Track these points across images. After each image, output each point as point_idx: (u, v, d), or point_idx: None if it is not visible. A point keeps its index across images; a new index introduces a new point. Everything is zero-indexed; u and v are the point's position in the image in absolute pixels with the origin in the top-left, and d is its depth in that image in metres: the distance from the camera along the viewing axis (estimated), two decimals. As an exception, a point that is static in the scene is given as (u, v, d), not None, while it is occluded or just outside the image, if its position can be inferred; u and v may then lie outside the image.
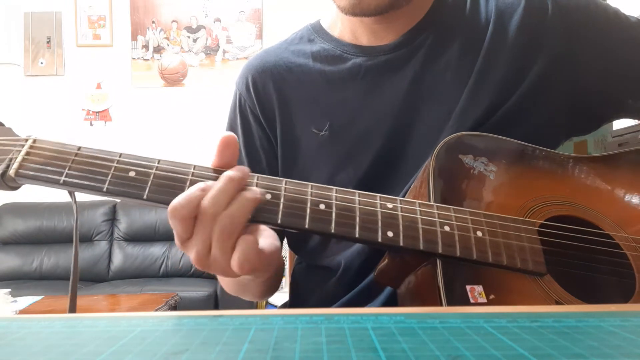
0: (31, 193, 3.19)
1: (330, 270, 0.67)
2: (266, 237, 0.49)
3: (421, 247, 0.45)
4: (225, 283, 0.69)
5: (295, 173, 0.68)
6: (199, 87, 3.50)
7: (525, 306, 0.38)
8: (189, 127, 3.42)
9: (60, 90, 3.49)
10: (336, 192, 0.46)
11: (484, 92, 0.63)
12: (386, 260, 0.53)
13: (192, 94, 3.50)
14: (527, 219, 0.50)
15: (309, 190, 0.46)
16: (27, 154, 0.45)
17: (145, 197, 0.44)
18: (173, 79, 3.53)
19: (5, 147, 0.46)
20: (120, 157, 0.46)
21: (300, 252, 0.73)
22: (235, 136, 0.46)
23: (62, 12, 3.53)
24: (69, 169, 0.45)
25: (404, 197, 0.51)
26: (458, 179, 0.52)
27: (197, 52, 3.55)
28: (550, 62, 0.64)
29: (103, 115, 3.51)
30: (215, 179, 0.45)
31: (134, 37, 3.54)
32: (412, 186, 0.58)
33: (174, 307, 2.19)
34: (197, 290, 2.79)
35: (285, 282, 1.24)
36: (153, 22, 3.54)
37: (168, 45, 3.54)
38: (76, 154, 0.46)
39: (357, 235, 0.45)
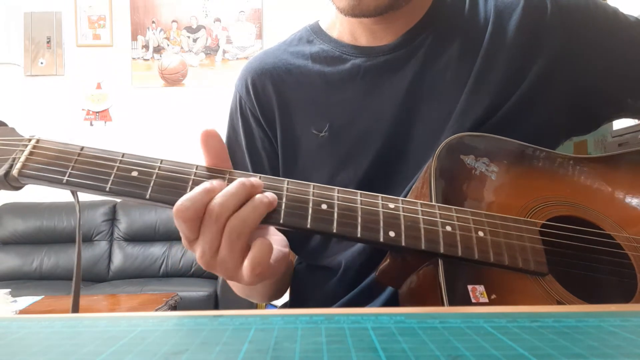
0: (31, 193, 3.19)
1: (330, 270, 0.67)
2: (275, 242, 0.49)
3: (423, 247, 0.45)
4: (233, 283, 0.69)
5: (295, 174, 0.68)
6: (199, 87, 3.51)
7: (525, 306, 0.38)
8: (189, 127, 3.41)
9: (60, 90, 3.49)
10: (338, 192, 0.47)
11: (484, 92, 0.63)
12: (388, 260, 0.53)
13: (192, 94, 3.50)
14: (528, 219, 0.50)
15: (311, 190, 0.46)
16: (30, 154, 0.46)
17: (147, 197, 0.44)
18: (173, 79, 3.53)
19: (8, 147, 0.46)
20: (122, 157, 0.46)
21: (301, 252, 0.73)
22: (213, 128, 0.46)
23: (62, 12, 3.53)
24: (72, 169, 0.45)
25: (405, 197, 0.51)
26: (460, 180, 0.52)
27: (197, 52, 3.55)
28: (550, 62, 0.64)
29: (103, 115, 3.51)
30: (218, 178, 0.45)
31: (134, 37, 3.54)
32: (413, 186, 0.58)
33: (174, 307, 2.19)
34: (197, 290, 2.79)
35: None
36: (153, 22, 3.54)
37: (168, 45, 3.54)
38: (79, 154, 0.46)
39: (359, 235, 0.45)
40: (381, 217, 0.46)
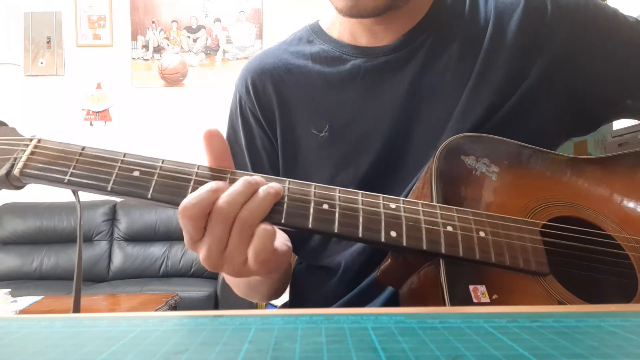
0: (31, 193, 3.19)
1: (330, 270, 0.67)
2: (278, 237, 0.50)
3: (424, 247, 0.45)
4: (234, 284, 0.69)
5: (296, 174, 0.68)
6: (199, 87, 3.51)
7: (525, 306, 0.38)
8: (189, 127, 3.42)
9: (60, 90, 3.49)
10: (339, 192, 0.47)
11: (484, 92, 0.63)
12: (389, 260, 0.53)
13: (192, 94, 3.50)
14: (529, 220, 0.50)
15: (312, 190, 0.46)
16: (32, 153, 0.46)
17: (149, 196, 0.45)
18: (173, 79, 3.54)
19: (9, 146, 0.46)
20: (124, 157, 0.46)
21: (301, 252, 0.73)
22: (215, 128, 0.47)
23: (62, 12, 3.53)
24: (73, 169, 0.45)
25: (406, 197, 0.51)
26: (460, 180, 0.52)
27: (197, 52, 3.55)
28: (550, 63, 0.64)
29: (103, 115, 3.51)
30: (220, 178, 0.45)
31: (134, 37, 3.54)
32: (414, 187, 0.58)
33: (174, 307, 2.19)
34: (197, 290, 2.79)
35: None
36: (153, 22, 3.55)
37: (168, 45, 3.54)
38: (80, 154, 0.46)
39: (360, 235, 0.45)
40: (382, 217, 0.46)
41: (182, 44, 3.55)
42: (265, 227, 0.43)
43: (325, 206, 0.45)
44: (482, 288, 0.44)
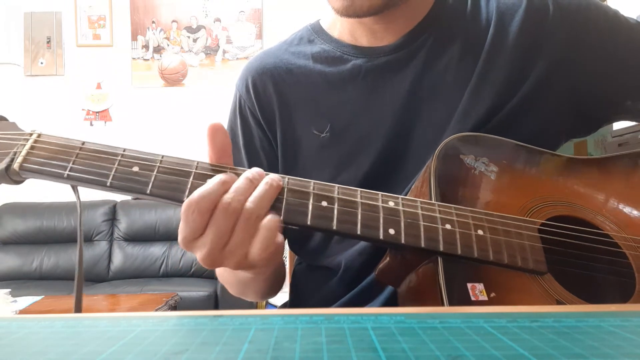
0: (31, 193, 3.19)
1: (330, 270, 0.67)
2: None
3: (422, 245, 0.45)
4: (228, 283, 0.69)
5: (296, 174, 0.67)
6: (199, 87, 3.51)
7: (525, 306, 0.38)
8: (189, 127, 3.41)
9: (60, 90, 3.49)
10: (338, 189, 0.47)
11: (485, 93, 0.63)
12: (387, 258, 0.53)
13: (192, 94, 3.50)
14: (527, 218, 0.50)
15: (311, 187, 0.46)
16: (32, 148, 0.46)
17: (148, 191, 0.44)
18: (173, 79, 3.53)
19: (9, 141, 0.46)
20: (124, 152, 0.46)
21: (301, 252, 0.73)
22: (220, 123, 0.47)
23: (62, 12, 3.53)
24: (73, 163, 0.45)
25: (405, 196, 0.51)
26: (459, 179, 0.52)
27: (197, 52, 3.55)
28: (551, 64, 0.64)
29: (103, 115, 3.51)
30: (218, 174, 0.45)
31: (134, 37, 3.54)
32: (413, 186, 0.58)
33: (174, 307, 2.19)
34: (197, 290, 2.79)
35: (286, 282, 1.24)
36: (153, 22, 3.54)
37: (168, 45, 3.54)
38: (80, 149, 0.46)
39: (358, 232, 0.45)
40: (381, 214, 0.46)
41: (182, 44, 3.55)
42: (271, 217, 0.44)
43: (324, 203, 0.46)
44: (480, 286, 0.44)
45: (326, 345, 0.27)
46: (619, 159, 0.60)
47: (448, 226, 0.46)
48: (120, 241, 3.21)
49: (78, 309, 0.48)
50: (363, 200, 0.46)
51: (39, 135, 0.47)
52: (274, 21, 3.52)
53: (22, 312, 1.83)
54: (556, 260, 0.50)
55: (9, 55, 3.47)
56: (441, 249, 0.45)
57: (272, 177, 0.45)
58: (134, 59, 3.54)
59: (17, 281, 2.99)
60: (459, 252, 0.45)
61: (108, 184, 0.45)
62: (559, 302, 0.45)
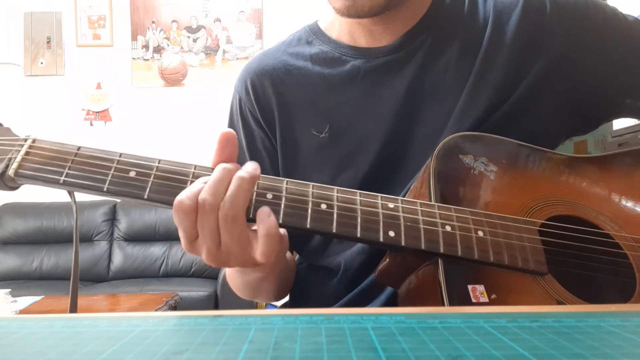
0: (31, 193, 3.19)
1: (330, 270, 0.67)
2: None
3: (423, 247, 0.45)
4: (238, 288, 0.69)
5: (296, 175, 0.68)
6: (199, 87, 3.51)
7: (525, 306, 0.38)
8: (189, 127, 3.42)
9: (60, 90, 3.49)
10: (337, 192, 0.47)
11: (483, 92, 0.63)
12: (387, 260, 0.53)
13: (192, 94, 3.50)
14: (528, 219, 0.50)
15: (310, 190, 0.46)
16: (27, 153, 0.45)
17: (145, 197, 0.44)
18: (173, 79, 3.53)
19: (4, 147, 0.46)
20: (120, 157, 0.46)
21: (301, 252, 0.73)
22: (234, 132, 0.46)
23: (62, 12, 3.53)
24: (68, 169, 0.45)
25: (404, 197, 0.51)
26: (458, 179, 0.52)
27: (197, 52, 3.55)
28: (549, 62, 0.64)
29: (103, 115, 3.51)
30: None
31: (134, 37, 3.54)
32: (412, 186, 0.58)
33: (174, 307, 2.19)
34: (197, 290, 2.79)
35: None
36: (153, 22, 3.54)
37: (168, 45, 3.54)
38: (76, 154, 0.46)
39: (358, 235, 0.45)
40: (381, 217, 0.46)
41: (182, 44, 3.55)
42: (269, 225, 0.43)
43: (324, 206, 0.45)
44: (480, 288, 0.44)
45: (326, 345, 0.27)
46: (618, 157, 0.60)
47: (448, 228, 0.46)
48: (120, 241, 3.21)
49: (73, 310, 0.48)
50: (363, 204, 0.46)
51: (34, 141, 0.46)
52: (274, 21, 3.52)
53: (22, 312, 1.83)
54: (557, 261, 0.50)
55: (9, 55, 3.47)
56: (441, 250, 0.45)
57: (246, 170, 0.44)
58: (134, 59, 3.54)
59: (17, 281, 2.99)
60: (460, 253, 0.45)
61: (105, 189, 0.44)
62: (559, 303, 0.45)
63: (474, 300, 0.43)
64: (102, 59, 3.53)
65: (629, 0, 1.69)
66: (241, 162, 0.71)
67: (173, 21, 3.55)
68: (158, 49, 3.54)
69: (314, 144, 0.67)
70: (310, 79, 0.68)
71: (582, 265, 0.52)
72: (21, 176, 0.45)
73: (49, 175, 0.45)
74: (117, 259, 3.16)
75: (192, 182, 0.45)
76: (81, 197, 0.49)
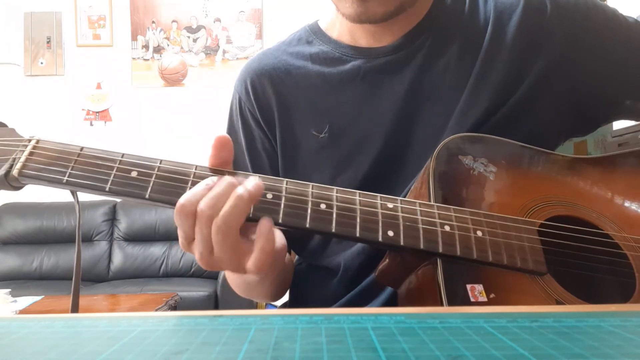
0: (31, 193, 3.19)
1: (330, 270, 0.67)
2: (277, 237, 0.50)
3: (422, 247, 0.45)
4: (235, 285, 0.69)
5: (296, 175, 0.68)
6: (199, 87, 3.50)
7: (525, 306, 0.38)
8: (189, 127, 3.41)
9: (60, 90, 3.49)
10: (337, 192, 0.47)
11: (484, 93, 0.63)
12: (387, 260, 0.53)
13: (192, 94, 3.50)
14: (527, 219, 0.50)
15: (310, 190, 0.46)
16: (31, 154, 0.46)
17: (147, 196, 0.45)
18: (173, 79, 3.53)
19: (8, 147, 0.47)
20: (122, 157, 0.46)
21: (301, 253, 0.73)
22: (228, 136, 0.47)
23: (62, 12, 3.53)
24: (71, 169, 0.45)
25: (404, 197, 0.51)
26: (458, 180, 0.52)
27: (197, 52, 3.55)
28: (549, 63, 0.64)
29: (103, 115, 3.50)
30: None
31: (134, 37, 3.54)
32: (412, 187, 0.58)
33: (174, 307, 2.19)
34: (197, 290, 2.79)
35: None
36: (153, 22, 3.54)
37: (168, 45, 3.54)
38: (79, 154, 0.46)
39: (357, 235, 0.45)
40: (380, 217, 0.46)
41: (182, 44, 3.55)
42: (265, 238, 0.43)
43: (323, 206, 0.46)
44: (479, 287, 0.44)
45: (326, 345, 0.27)
46: (618, 158, 0.60)
47: (447, 228, 0.46)
48: (120, 241, 3.21)
49: (75, 310, 0.48)
50: (362, 204, 0.46)
51: (38, 141, 0.47)
52: (274, 21, 3.51)
53: (22, 312, 1.83)
54: (556, 261, 0.50)
55: (9, 55, 3.47)
56: (440, 250, 0.45)
57: (247, 188, 0.43)
58: (134, 59, 3.54)
59: (17, 281, 2.99)
60: (458, 253, 0.45)
61: (107, 189, 0.45)
62: (558, 303, 0.45)
63: (472, 300, 0.43)
64: (102, 59, 3.52)
65: (629, 0, 1.69)
66: (241, 163, 0.72)
67: (173, 21, 3.55)
68: (158, 49, 3.54)
69: (314, 144, 0.67)
70: (310, 79, 0.68)
71: (581, 265, 0.52)
72: (25, 176, 0.45)
73: (52, 175, 0.45)
74: (117, 259, 3.16)
75: (193, 182, 0.45)
76: (82, 197, 0.50)
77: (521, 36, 0.64)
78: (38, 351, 0.27)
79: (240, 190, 0.42)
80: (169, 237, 3.17)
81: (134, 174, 0.45)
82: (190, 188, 0.45)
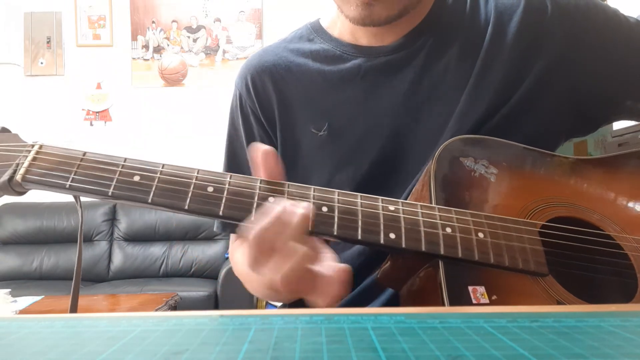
0: (31, 193, 3.17)
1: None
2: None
3: (423, 249, 0.45)
4: (252, 287, 0.68)
5: (295, 173, 0.68)
6: (199, 87, 3.50)
7: (525, 306, 0.38)
8: (189, 127, 3.41)
9: (60, 90, 3.49)
10: (338, 195, 0.47)
11: (484, 93, 0.63)
12: (388, 262, 0.53)
13: (192, 94, 3.50)
14: (528, 220, 0.50)
15: (312, 193, 0.46)
16: (34, 159, 0.46)
17: (150, 201, 0.45)
18: (173, 79, 3.53)
19: (12, 152, 0.47)
20: (125, 162, 0.46)
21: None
22: (272, 148, 0.45)
23: (62, 12, 3.53)
24: (74, 174, 0.45)
25: (405, 199, 0.51)
26: (459, 182, 0.52)
27: (197, 52, 3.54)
28: (550, 63, 0.64)
29: (103, 115, 3.50)
30: (220, 182, 0.45)
31: (134, 37, 3.54)
32: (413, 189, 0.58)
33: (174, 307, 2.19)
34: (197, 290, 2.79)
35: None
36: (153, 22, 3.54)
37: (168, 45, 3.54)
38: (81, 159, 0.46)
39: (359, 238, 0.45)
40: (381, 219, 0.46)
41: (182, 44, 3.55)
42: (340, 290, 0.41)
43: (325, 209, 0.46)
44: (481, 289, 0.44)
45: (326, 345, 0.27)
46: (619, 158, 0.60)
47: (448, 230, 0.46)
48: (120, 241, 3.21)
49: (73, 310, 0.48)
50: (364, 206, 0.46)
51: (41, 147, 0.47)
52: (274, 21, 3.51)
53: (22, 312, 1.83)
54: (557, 262, 0.50)
55: (9, 55, 3.47)
56: (442, 252, 0.45)
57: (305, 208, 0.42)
58: (134, 59, 3.54)
59: (17, 281, 2.99)
60: (460, 255, 0.45)
61: (109, 193, 0.45)
62: (560, 304, 0.45)
63: (474, 302, 0.43)
64: (102, 59, 3.52)
65: (630, 0, 1.69)
66: (242, 159, 0.72)
67: (173, 21, 3.55)
68: (158, 49, 3.54)
69: (313, 142, 0.67)
70: (311, 76, 0.68)
71: (583, 266, 0.52)
72: (28, 181, 0.45)
73: (55, 181, 0.45)
74: (117, 259, 3.16)
75: (195, 185, 0.45)
76: (82, 197, 0.50)
77: (522, 36, 0.64)
78: (38, 351, 0.27)
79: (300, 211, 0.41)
80: (169, 237, 3.17)
81: (136, 178, 0.45)
82: (192, 192, 0.45)
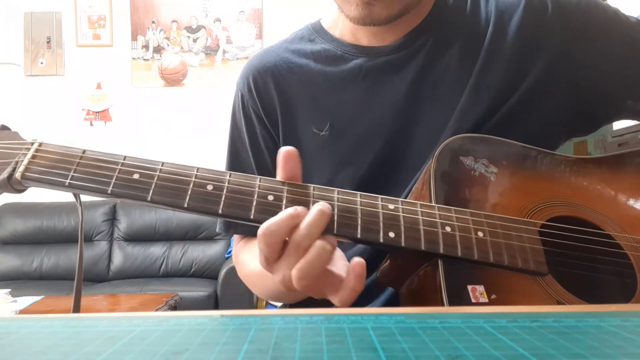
0: (31, 193, 3.18)
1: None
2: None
3: (422, 248, 0.45)
4: (260, 291, 0.68)
5: None
6: (199, 87, 3.51)
7: (525, 306, 0.38)
8: (189, 127, 3.41)
9: (60, 90, 3.49)
10: (338, 194, 0.47)
11: (484, 93, 0.63)
12: (388, 261, 0.53)
13: (192, 94, 3.50)
14: (528, 220, 0.50)
15: (311, 192, 0.46)
16: (33, 157, 0.46)
17: (149, 199, 0.45)
18: (173, 79, 3.53)
19: (11, 150, 0.47)
20: (124, 159, 0.46)
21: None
22: (295, 149, 0.46)
23: (62, 12, 3.53)
24: (74, 172, 0.45)
25: (405, 198, 0.51)
26: (459, 181, 0.52)
27: (197, 52, 3.55)
28: (550, 63, 0.64)
29: (103, 115, 3.50)
30: (220, 180, 0.45)
31: (134, 37, 3.54)
32: (413, 188, 0.58)
33: (174, 307, 2.19)
34: (197, 290, 2.79)
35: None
36: (153, 22, 3.54)
37: (168, 45, 3.54)
38: (81, 157, 0.46)
39: (359, 236, 0.45)
40: (381, 218, 0.46)
41: (182, 44, 3.55)
42: (356, 285, 0.42)
43: None
44: (480, 288, 0.44)
45: (326, 345, 0.27)
46: (619, 158, 0.60)
47: (448, 229, 0.46)
48: (120, 241, 3.21)
49: (76, 310, 0.48)
50: (363, 205, 0.46)
51: (40, 145, 0.47)
52: (274, 21, 3.51)
53: (22, 312, 1.83)
54: (557, 262, 0.50)
55: (9, 55, 3.47)
56: (441, 251, 0.45)
57: (329, 242, 0.42)
58: (134, 59, 3.54)
59: (17, 281, 2.99)
60: (459, 254, 0.45)
61: (109, 191, 0.45)
62: (559, 304, 0.45)
63: (473, 301, 0.43)
64: (102, 59, 3.52)
65: (629, 0, 1.69)
66: (245, 160, 0.72)
67: (173, 21, 3.55)
68: (158, 49, 3.54)
69: (314, 142, 0.67)
70: (312, 77, 0.69)
71: (582, 265, 0.52)
72: (28, 179, 0.45)
73: (55, 178, 0.45)
74: (117, 259, 3.16)
75: (194, 183, 0.45)
76: (82, 197, 0.50)
77: (522, 36, 0.64)
78: (38, 351, 0.27)
79: (322, 243, 0.42)
80: (169, 237, 3.17)
81: (136, 176, 0.45)
82: (192, 190, 0.45)
